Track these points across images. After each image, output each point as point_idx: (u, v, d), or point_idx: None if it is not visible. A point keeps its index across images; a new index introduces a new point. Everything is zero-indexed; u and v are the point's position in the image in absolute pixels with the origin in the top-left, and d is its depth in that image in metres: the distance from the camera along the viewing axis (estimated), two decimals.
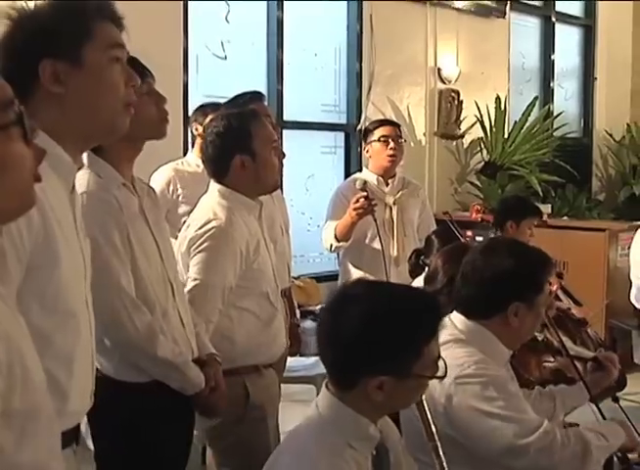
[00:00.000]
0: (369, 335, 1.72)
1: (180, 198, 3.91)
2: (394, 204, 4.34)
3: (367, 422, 1.77)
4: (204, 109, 4.09)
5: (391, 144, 4.32)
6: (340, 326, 1.74)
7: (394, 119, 6.82)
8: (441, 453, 1.84)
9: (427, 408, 1.86)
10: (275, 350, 2.92)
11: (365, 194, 4.04)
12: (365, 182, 4.17)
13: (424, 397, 1.85)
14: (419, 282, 3.29)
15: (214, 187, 2.83)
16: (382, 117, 6.39)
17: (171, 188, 3.89)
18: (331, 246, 4.26)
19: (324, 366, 1.81)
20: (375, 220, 4.07)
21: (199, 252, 2.71)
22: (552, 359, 2.63)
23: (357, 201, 4.01)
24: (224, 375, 2.60)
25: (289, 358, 3.56)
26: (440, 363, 1.80)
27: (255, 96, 3.82)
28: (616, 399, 4.27)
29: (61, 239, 1.63)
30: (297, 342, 3.68)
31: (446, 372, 1.81)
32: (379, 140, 4.32)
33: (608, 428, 2.36)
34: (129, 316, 2.20)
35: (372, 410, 1.78)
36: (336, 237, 4.17)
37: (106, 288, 2.10)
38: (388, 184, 4.38)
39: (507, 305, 2.27)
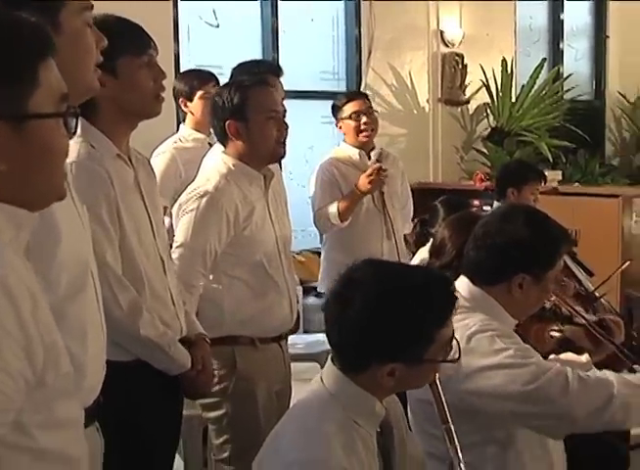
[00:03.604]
0: (378, 321, 1.73)
1: (188, 177, 3.94)
2: (387, 176, 4.35)
3: (374, 400, 1.81)
4: (185, 79, 4.06)
5: (364, 119, 4.34)
6: (347, 313, 1.76)
7: (396, 86, 6.91)
8: (455, 437, 1.85)
9: (440, 390, 1.87)
10: (274, 324, 2.99)
11: (380, 165, 4.14)
12: (381, 153, 4.28)
13: (437, 376, 1.87)
14: (424, 253, 3.35)
15: (220, 155, 2.96)
16: (382, 83, 6.46)
17: (176, 168, 3.89)
18: (332, 225, 4.28)
19: (331, 349, 1.83)
20: (382, 193, 4.17)
21: (184, 215, 2.84)
22: (558, 328, 2.68)
23: (373, 172, 4.12)
24: (213, 343, 2.69)
25: (291, 336, 3.63)
26: (454, 344, 1.82)
27: (271, 70, 3.82)
28: (632, 371, 4.37)
29: (58, 212, 1.68)
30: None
31: (460, 354, 1.84)
32: (350, 117, 4.35)
33: None
34: (113, 293, 2.23)
35: (380, 391, 1.82)
36: (339, 216, 4.21)
37: None
38: (369, 157, 4.43)
39: (513, 274, 2.29)
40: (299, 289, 5.63)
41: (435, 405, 1.88)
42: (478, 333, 2.20)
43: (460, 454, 1.85)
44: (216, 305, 2.88)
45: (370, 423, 1.82)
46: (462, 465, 1.84)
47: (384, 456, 1.87)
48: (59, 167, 1.31)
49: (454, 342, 1.83)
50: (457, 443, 1.85)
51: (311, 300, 5.91)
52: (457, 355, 1.84)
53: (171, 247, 2.76)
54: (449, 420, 1.86)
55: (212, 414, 2.97)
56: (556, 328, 2.67)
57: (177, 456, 3.18)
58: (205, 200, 2.82)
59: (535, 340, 2.54)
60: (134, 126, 2.40)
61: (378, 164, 4.15)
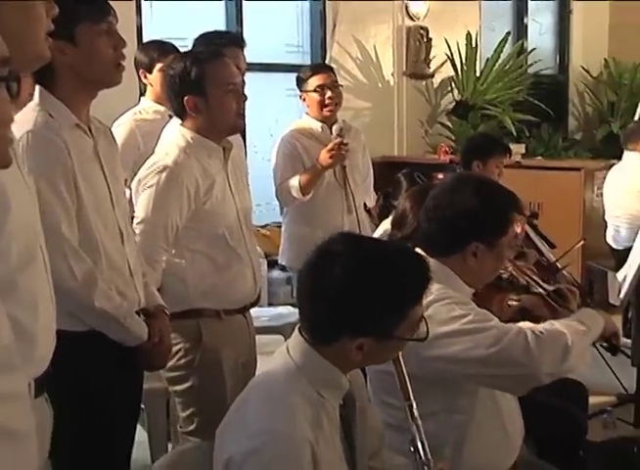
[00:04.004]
0: (353, 295, 1.72)
1: (147, 150, 3.92)
2: (348, 150, 4.29)
3: (339, 373, 1.82)
4: (146, 50, 4.02)
5: (328, 93, 4.31)
6: (323, 284, 1.75)
7: (360, 59, 6.90)
8: (417, 414, 1.87)
9: (403, 367, 1.89)
10: (238, 296, 3.00)
11: (342, 139, 4.13)
12: (342, 128, 4.27)
13: (400, 354, 1.88)
14: (386, 224, 3.38)
15: (177, 128, 2.93)
16: (346, 56, 6.45)
17: (135, 140, 3.86)
18: (293, 199, 4.26)
19: (301, 319, 1.82)
20: (344, 168, 4.17)
21: (144, 190, 2.82)
22: (516, 298, 2.71)
23: (334, 147, 4.09)
24: (179, 317, 2.72)
25: (255, 308, 3.64)
26: (422, 325, 1.84)
27: (234, 42, 3.77)
28: (592, 342, 4.44)
29: (5, 180, 1.65)
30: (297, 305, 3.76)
31: (428, 334, 1.85)
32: (314, 90, 4.32)
33: (585, 314, 2.39)
34: (68, 264, 2.23)
35: (346, 365, 1.82)
36: (300, 190, 4.19)
37: (45, 234, 2.06)
38: (332, 131, 4.39)
39: (466, 244, 2.31)
40: (264, 262, 5.66)
41: (398, 382, 1.89)
42: (435, 302, 2.23)
43: (422, 431, 1.87)
44: (180, 279, 2.88)
45: (334, 396, 1.83)
46: (423, 441, 1.85)
47: (345, 428, 1.87)
48: (1, 134, 1.28)
49: (423, 322, 1.84)
50: (419, 419, 1.87)
51: (276, 273, 5.93)
52: (425, 335, 1.84)
53: (132, 220, 2.76)
54: (411, 397, 1.87)
55: (178, 387, 2.97)
56: (513, 298, 2.70)
57: (142, 429, 3.20)
58: (164, 174, 2.80)
59: (494, 310, 2.57)
60: (94, 95, 2.38)
61: (339, 139, 4.14)
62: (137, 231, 2.76)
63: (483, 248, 2.32)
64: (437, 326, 2.18)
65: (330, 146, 4.11)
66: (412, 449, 1.84)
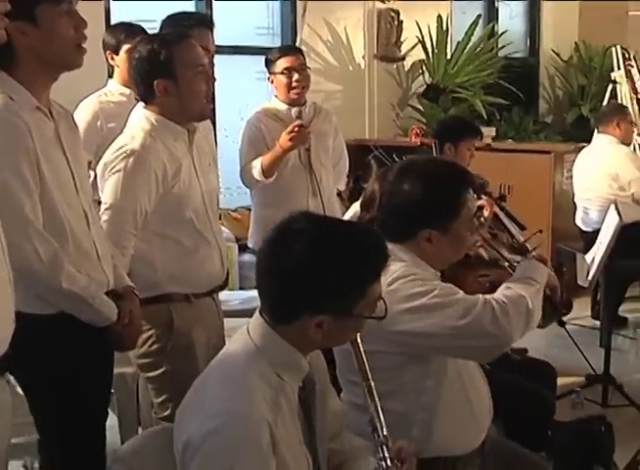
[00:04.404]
0: (313, 271, 1.73)
1: (112, 132, 3.89)
2: (309, 132, 4.29)
3: (299, 355, 1.81)
4: (113, 32, 3.99)
5: (295, 76, 4.29)
6: (283, 261, 1.76)
7: (331, 42, 6.89)
8: (375, 393, 1.87)
9: (361, 347, 1.89)
10: (207, 279, 2.99)
11: (301, 122, 4.10)
12: (300, 111, 4.25)
13: (359, 335, 1.89)
14: (356, 207, 3.37)
15: (142, 112, 2.89)
16: (317, 39, 6.43)
17: (99, 122, 3.84)
18: (256, 182, 4.25)
19: (261, 299, 1.83)
20: (308, 150, 4.15)
21: (111, 175, 2.78)
22: (485, 273, 2.71)
23: (293, 130, 4.06)
24: (149, 302, 2.72)
25: (226, 291, 3.64)
26: (380, 303, 1.85)
27: (202, 23, 3.74)
28: (562, 324, 4.48)
29: None
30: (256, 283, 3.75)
31: (386, 312, 1.86)
32: (282, 73, 4.30)
33: (531, 269, 2.44)
34: (33, 246, 2.22)
35: (306, 345, 1.82)
36: (262, 172, 4.18)
37: (8, 217, 2.09)
38: (300, 113, 4.37)
39: (417, 231, 2.32)
40: (235, 246, 5.65)
41: (356, 362, 1.89)
42: (401, 278, 2.25)
43: (380, 411, 1.87)
44: (148, 264, 2.87)
45: (294, 378, 1.84)
46: (382, 421, 1.86)
47: (304, 411, 1.88)
48: None
49: (381, 301, 1.85)
50: (377, 400, 1.87)
51: (247, 257, 5.90)
52: (383, 314, 1.85)
53: (97, 204, 2.74)
54: (369, 377, 1.88)
55: (152, 374, 2.96)
56: (482, 273, 2.71)
57: (112, 414, 3.20)
58: (132, 159, 2.76)
59: (464, 287, 2.58)
60: (55, 78, 2.35)
61: (298, 122, 4.10)
62: (105, 217, 2.74)
63: (437, 233, 2.32)
64: (404, 301, 2.21)
65: (289, 128, 4.08)
66: (371, 429, 1.84)
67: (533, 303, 2.28)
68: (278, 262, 1.77)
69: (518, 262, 2.74)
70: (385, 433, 1.83)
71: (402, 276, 2.25)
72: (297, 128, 4.07)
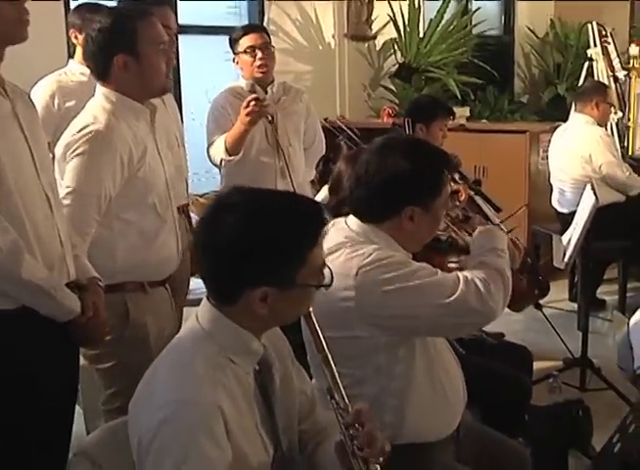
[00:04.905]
0: (248, 242, 1.73)
1: (70, 112, 3.85)
2: (277, 112, 4.29)
3: (250, 337, 1.82)
4: (79, 11, 3.97)
5: (259, 54, 4.28)
6: (216, 236, 1.75)
7: (300, 21, 6.85)
8: (332, 363, 1.87)
9: (314, 320, 1.89)
10: (163, 266, 2.97)
11: (256, 96, 4.06)
12: (253, 84, 4.21)
13: (311, 309, 1.88)
14: (326, 190, 3.37)
15: (99, 90, 2.85)
16: (285, 18, 6.39)
17: (56, 102, 3.81)
18: (221, 161, 4.23)
19: (203, 281, 1.82)
20: (270, 122, 4.13)
21: (74, 157, 2.72)
22: (456, 259, 2.73)
23: (248, 105, 4.01)
24: (104, 292, 2.62)
25: (196, 279, 3.62)
26: (326, 271, 1.84)
27: (164, 0, 3.75)
28: (539, 307, 4.51)
29: None
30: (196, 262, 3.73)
31: (332, 280, 1.85)
32: (245, 52, 4.29)
33: (495, 239, 2.49)
34: None
35: (256, 324, 1.82)
36: (227, 150, 4.18)
37: None
38: (267, 92, 4.37)
39: (401, 208, 2.33)
40: None
41: (311, 335, 1.89)
42: (376, 261, 2.26)
43: (337, 378, 1.86)
44: (108, 251, 2.80)
45: (246, 361, 1.83)
46: (340, 388, 1.84)
47: (263, 394, 1.88)
48: None
49: (327, 270, 1.84)
50: (334, 368, 1.86)
51: None
52: (329, 281, 1.85)
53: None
54: (325, 348, 1.87)
55: (102, 365, 2.91)
56: (453, 259, 2.72)
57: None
58: (96, 140, 2.72)
59: None
60: (1, 54, 2.30)
61: (252, 96, 4.05)
62: (67, 202, 2.67)
63: (419, 211, 2.34)
64: (387, 284, 2.23)
65: (244, 103, 4.04)
66: (329, 398, 1.83)
67: (507, 274, 2.37)
68: (212, 239, 1.77)
69: None
70: (345, 400, 1.83)
71: (378, 259, 2.26)
72: (252, 102, 4.02)
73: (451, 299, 2.24)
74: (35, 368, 2.30)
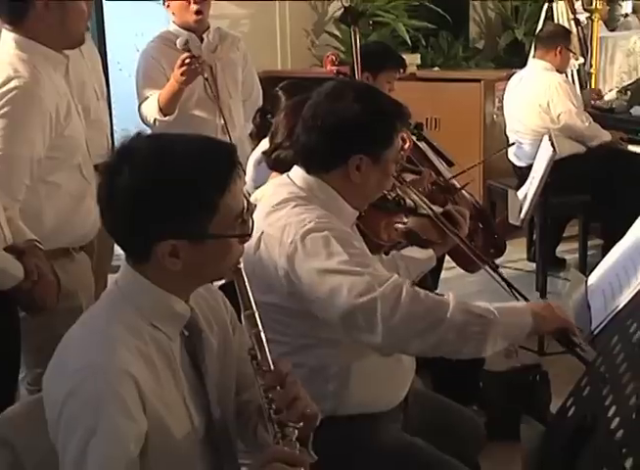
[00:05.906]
0: (147, 192, 1.68)
1: None
2: (204, 62, 4.15)
3: (172, 298, 1.78)
4: None
5: None
6: (115, 186, 1.70)
7: None
8: (259, 322, 1.81)
9: (244, 276, 1.84)
10: (88, 229, 2.94)
11: (190, 54, 3.99)
12: (187, 41, 4.11)
13: (241, 265, 1.84)
14: (265, 144, 3.34)
15: (8, 36, 2.76)
16: None
17: None
18: (155, 121, 4.15)
19: (113, 238, 1.77)
20: (206, 80, 4.06)
21: None
22: (404, 220, 2.73)
23: (183, 63, 3.94)
24: None
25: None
26: (249, 220, 1.79)
27: None
28: (494, 268, 4.53)
29: None
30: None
31: (252, 230, 1.81)
32: None
33: (507, 306, 2.32)
34: None
35: (177, 284, 1.78)
36: (160, 109, 4.11)
37: None
38: (202, 40, 4.32)
39: (348, 156, 2.32)
40: None
41: (239, 292, 1.85)
42: (313, 232, 2.23)
43: (264, 338, 1.81)
44: (35, 217, 2.75)
45: (171, 325, 1.80)
46: (265, 347, 1.79)
47: (194, 363, 1.85)
48: None
49: (250, 220, 1.80)
50: (260, 327, 1.82)
51: None
52: (250, 231, 1.80)
53: None
54: (253, 306, 1.83)
55: (30, 343, 2.83)
56: (401, 220, 2.72)
57: None
58: (23, 97, 2.64)
59: (379, 233, 2.58)
60: None
61: (186, 54, 3.98)
62: None
63: (368, 161, 2.33)
64: (312, 260, 2.20)
65: (178, 62, 3.96)
66: (250, 359, 1.80)
67: (455, 317, 2.15)
68: (110, 190, 1.72)
69: (439, 212, 2.77)
70: (269, 362, 1.78)
71: (316, 230, 2.23)
72: (187, 60, 3.95)
73: (367, 297, 2.14)
74: None
